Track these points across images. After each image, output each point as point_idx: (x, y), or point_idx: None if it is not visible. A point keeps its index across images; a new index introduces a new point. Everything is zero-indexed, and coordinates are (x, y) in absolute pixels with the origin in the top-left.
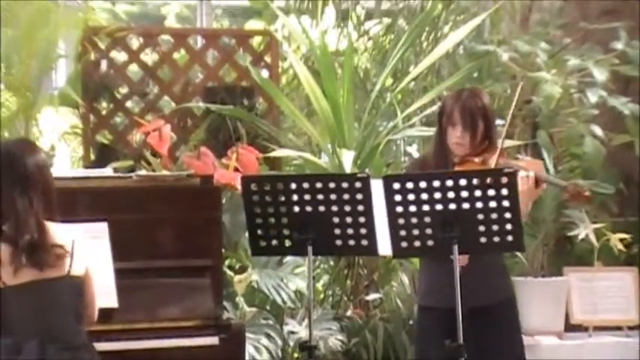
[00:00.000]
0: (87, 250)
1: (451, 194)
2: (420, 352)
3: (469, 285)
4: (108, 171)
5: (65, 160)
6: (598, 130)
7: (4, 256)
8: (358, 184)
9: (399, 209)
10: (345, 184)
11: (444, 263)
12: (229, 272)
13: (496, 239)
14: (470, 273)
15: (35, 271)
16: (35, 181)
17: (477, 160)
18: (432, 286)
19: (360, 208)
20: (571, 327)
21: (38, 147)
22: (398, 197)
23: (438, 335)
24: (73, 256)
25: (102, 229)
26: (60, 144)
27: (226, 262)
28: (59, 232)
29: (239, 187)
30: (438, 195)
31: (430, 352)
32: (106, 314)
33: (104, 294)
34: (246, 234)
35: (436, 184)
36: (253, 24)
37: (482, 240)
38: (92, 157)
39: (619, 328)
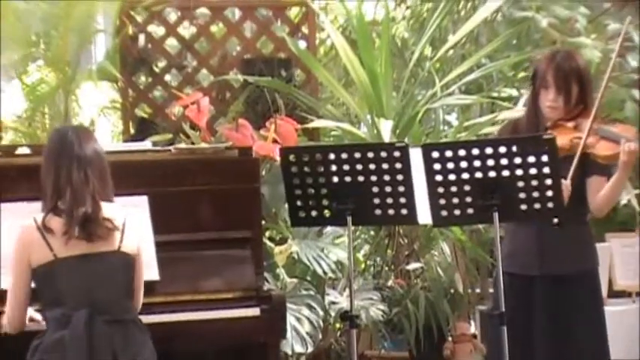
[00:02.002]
0: (139, 231)
1: (491, 162)
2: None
3: (551, 253)
4: (147, 144)
5: (105, 134)
6: (639, 95)
7: (58, 227)
8: (397, 154)
9: (439, 178)
10: (383, 154)
11: (525, 228)
12: (269, 243)
13: (537, 206)
14: (552, 241)
15: (86, 244)
16: (92, 161)
17: (569, 124)
18: (510, 251)
19: (399, 177)
20: (614, 293)
21: (95, 135)
22: (437, 166)
23: (511, 300)
24: (124, 233)
25: (142, 202)
26: (100, 118)
27: (266, 234)
28: (112, 210)
29: (278, 158)
30: (477, 163)
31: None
32: (147, 287)
33: (145, 267)
34: (286, 205)
35: (475, 151)
36: None
37: (523, 207)
38: (132, 130)
39: None
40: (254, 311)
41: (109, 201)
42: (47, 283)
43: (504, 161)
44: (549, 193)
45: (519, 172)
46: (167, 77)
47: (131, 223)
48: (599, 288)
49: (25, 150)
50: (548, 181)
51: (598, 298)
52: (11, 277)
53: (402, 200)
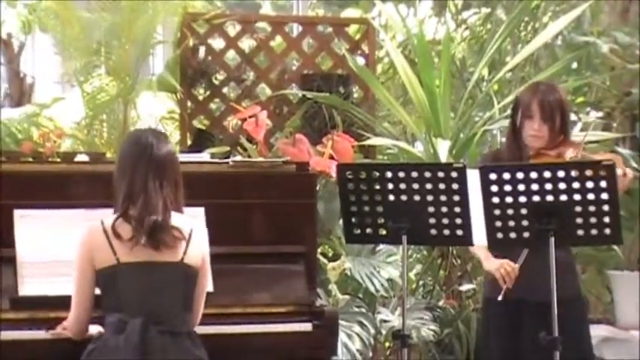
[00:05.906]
0: (204, 243)
1: (548, 186)
2: (483, 343)
3: (535, 279)
4: (205, 156)
5: None
6: None
7: (126, 233)
8: (454, 174)
9: (495, 200)
10: (441, 174)
11: (510, 255)
12: (322, 259)
13: (593, 232)
14: (535, 268)
15: (151, 252)
16: (167, 168)
17: (552, 153)
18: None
19: (456, 198)
20: None
21: (169, 139)
22: (494, 188)
23: (500, 328)
24: (189, 244)
25: (199, 213)
26: (157, 128)
27: (319, 250)
28: (181, 220)
29: (334, 174)
30: (535, 186)
31: (492, 345)
32: None
33: None
34: (340, 221)
35: (533, 175)
36: (349, 12)
37: (580, 232)
38: (189, 141)
39: None
40: (306, 326)
41: (178, 211)
42: (109, 287)
43: (562, 186)
44: (607, 219)
45: (577, 197)
46: (225, 90)
47: (197, 234)
48: (584, 316)
49: (84, 157)
50: (606, 207)
51: (582, 326)
52: (75, 279)
53: (458, 221)
